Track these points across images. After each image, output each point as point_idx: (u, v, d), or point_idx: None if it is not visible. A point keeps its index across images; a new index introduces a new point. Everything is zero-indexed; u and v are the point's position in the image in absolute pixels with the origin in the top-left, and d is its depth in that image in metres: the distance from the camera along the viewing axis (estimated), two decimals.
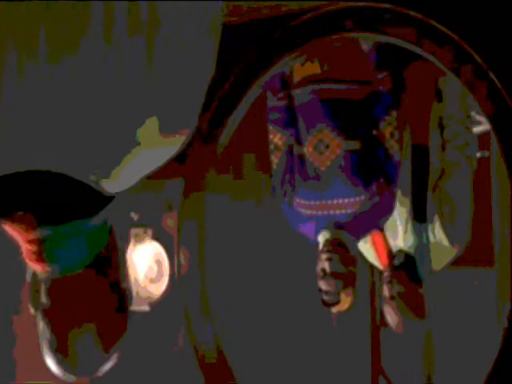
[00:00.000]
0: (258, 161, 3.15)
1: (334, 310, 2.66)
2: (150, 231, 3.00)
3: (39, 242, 1.14)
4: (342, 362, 3.10)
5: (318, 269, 2.63)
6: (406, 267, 2.76)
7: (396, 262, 2.79)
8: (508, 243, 2.63)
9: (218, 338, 2.86)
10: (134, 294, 2.96)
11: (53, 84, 1.03)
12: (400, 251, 2.80)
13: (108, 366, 1.25)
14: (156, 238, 3.01)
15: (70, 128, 1.05)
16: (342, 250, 2.63)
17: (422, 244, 2.75)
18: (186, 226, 2.91)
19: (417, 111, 2.76)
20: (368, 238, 2.83)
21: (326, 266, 2.61)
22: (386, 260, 2.83)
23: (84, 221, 1.13)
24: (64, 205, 1.11)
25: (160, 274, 2.99)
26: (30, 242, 1.14)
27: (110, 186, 1.11)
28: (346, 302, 2.65)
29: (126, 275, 1.26)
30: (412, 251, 2.77)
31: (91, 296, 1.22)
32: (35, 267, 1.18)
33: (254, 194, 3.17)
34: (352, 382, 3.09)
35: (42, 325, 1.21)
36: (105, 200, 1.13)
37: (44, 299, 1.20)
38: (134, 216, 2.98)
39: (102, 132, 1.06)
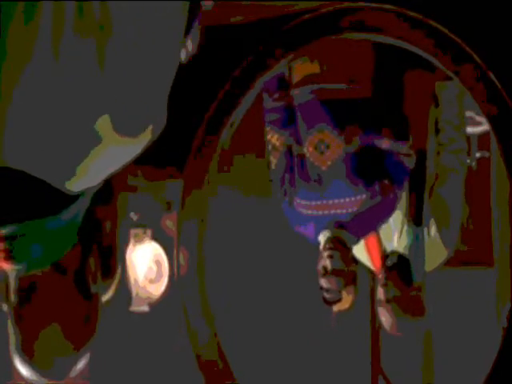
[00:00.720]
0: (257, 161, 3.14)
1: (335, 308, 2.66)
2: (149, 232, 3.00)
3: (4, 241, 1.13)
4: (341, 362, 3.10)
5: (319, 267, 2.63)
6: (398, 268, 2.76)
7: (389, 262, 2.79)
8: (507, 243, 2.63)
9: (217, 339, 2.86)
10: (134, 294, 2.97)
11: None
12: (393, 252, 2.80)
13: (79, 366, 1.23)
14: (155, 238, 3.01)
15: (29, 127, 1.05)
16: (343, 248, 2.63)
17: (417, 246, 2.75)
18: (185, 227, 2.91)
19: (415, 116, 2.76)
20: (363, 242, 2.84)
21: (328, 263, 2.61)
22: (378, 261, 2.83)
23: (50, 218, 1.13)
24: (29, 202, 1.10)
25: (159, 274, 2.99)
26: None
27: (73, 185, 1.11)
28: (347, 300, 2.65)
29: (95, 275, 1.24)
30: (406, 253, 2.77)
31: (59, 294, 1.21)
32: (2, 265, 1.17)
33: (254, 193, 3.17)
34: (351, 382, 3.09)
35: (10, 324, 1.21)
36: (71, 198, 1.13)
37: (12, 297, 1.20)
38: (134, 216, 2.98)
39: (62, 131, 1.06)
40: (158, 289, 2.98)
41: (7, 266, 1.17)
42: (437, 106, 2.77)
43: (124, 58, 1.06)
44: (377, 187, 2.64)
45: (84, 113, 1.05)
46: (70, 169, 1.09)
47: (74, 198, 1.13)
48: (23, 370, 1.21)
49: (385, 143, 2.67)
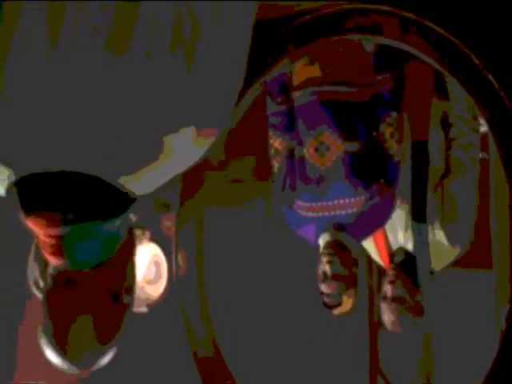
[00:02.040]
0: (258, 163, 3.15)
1: (336, 311, 2.66)
2: (148, 233, 2.99)
3: (59, 238, 1.16)
4: (340, 362, 3.10)
5: (319, 272, 2.63)
6: (405, 265, 2.76)
7: (396, 259, 2.79)
8: (506, 246, 2.63)
9: (216, 340, 2.86)
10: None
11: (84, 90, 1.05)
12: (400, 249, 2.80)
13: (106, 359, 1.26)
14: (154, 239, 3.01)
15: (98, 130, 1.07)
16: (342, 251, 2.63)
17: (422, 244, 2.75)
18: (184, 228, 2.91)
19: (416, 108, 2.76)
20: (371, 239, 2.84)
21: (327, 268, 2.60)
22: (386, 258, 2.83)
23: (104, 222, 1.15)
24: (89, 204, 1.13)
25: (158, 275, 2.99)
26: (50, 236, 1.17)
27: (136, 187, 1.13)
28: (347, 303, 2.65)
29: (130, 287, 1.28)
30: (412, 250, 2.77)
31: (92, 292, 1.23)
32: (50, 259, 1.21)
33: (254, 196, 3.17)
34: (350, 382, 3.09)
35: (43, 314, 1.23)
36: (127, 203, 1.15)
37: (47, 283, 1.22)
38: (132, 217, 2.97)
39: (129, 134, 1.08)
40: (156, 290, 2.98)
41: (56, 262, 1.20)
42: (443, 98, 2.77)
43: (207, 63, 1.10)
44: (375, 188, 2.65)
45: (164, 118, 1.08)
46: (135, 171, 1.12)
47: (127, 205, 1.14)
48: (56, 360, 1.24)
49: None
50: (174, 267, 2.93)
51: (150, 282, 2.98)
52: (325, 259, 2.61)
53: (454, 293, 2.95)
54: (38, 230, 1.16)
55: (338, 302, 2.62)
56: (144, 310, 2.97)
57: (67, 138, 1.08)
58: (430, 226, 2.73)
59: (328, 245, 2.64)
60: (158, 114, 1.08)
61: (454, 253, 2.74)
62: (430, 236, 2.73)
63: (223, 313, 2.94)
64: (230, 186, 3.17)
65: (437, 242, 2.73)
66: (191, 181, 2.88)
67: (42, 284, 1.25)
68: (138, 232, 2.99)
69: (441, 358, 3.05)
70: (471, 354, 2.86)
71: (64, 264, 1.20)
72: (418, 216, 2.74)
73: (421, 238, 2.74)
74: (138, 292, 2.98)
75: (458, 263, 2.77)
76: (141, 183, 1.14)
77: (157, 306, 2.98)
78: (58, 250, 1.18)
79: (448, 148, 2.75)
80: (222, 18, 1.11)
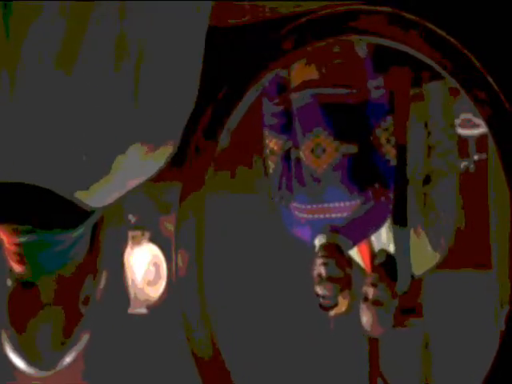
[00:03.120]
0: (255, 165, 3.15)
1: (332, 312, 2.66)
2: (147, 233, 2.99)
3: (19, 246, 1.19)
4: (340, 363, 3.10)
5: (315, 274, 2.63)
6: (387, 266, 2.76)
7: (377, 261, 2.79)
8: (506, 246, 2.63)
9: (215, 340, 2.86)
10: (132, 296, 2.96)
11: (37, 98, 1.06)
12: (382, 250, 2.80)
13: (69, 358, 1.26)
14: (153, 240, 3.01)
15: (47, 144, 1.09)
16: (337, 253, 2.63)
17: (402, 248, 2.75)
18: (183, 229, 2.91)
19: (396, 112, 2.76)
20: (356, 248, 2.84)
21: (322, 270, 2.61)
22: (369, 261, 2.84)
23: (66, 231, 1.17)
24: (45, 215, 1.15)
25: (158, 276, 2.99)
26: (13, 244, 1.19)
27: (90, 200, 1.15)
28: (343, 304, 2.65)
29: (88, 298, 1.29)
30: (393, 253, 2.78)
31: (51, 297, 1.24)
32: (13, 266, 1.23)
33: (253, 197, 3.17)
34: (350, 383, 3.09)
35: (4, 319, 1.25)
36: (84, 215, 1.17)
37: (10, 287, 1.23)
38: (132, 218, 2.98)
39: (82, 146, 1.09)
40: (156, 291, 2.98)
41: (18, 269, 1.22)
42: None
43: (155, 84, 1.11)
44: (370, 192, 2.65)
45: (116, 139, 1.09)
46: (92, 182, 1.13)
47: (80, 220, 1.17)
48: (16, 360, 1.25)
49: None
50: (173, 268, 2.93)
51: (149, 283, 2.98)
52: (320, 261, 2.62)
53: (453, 293, 2.95)
54: (3, 237, 1.19)
55: (333, 303, 2.63)
56: (143, 310, 2.98)
57: (22, 151, 1.10)
58: (412, 230, 2.74)
59: (323, 247, 2.65)
60: (105, 132, 1.10)
61: (435, 257, 2.75)
62: (413, 240, 2.73)
63: (222, 313, 2.95)
64: (230, 187, 3.17)
65: (420, 246, 2.74)
66: (191, 182, 2.88)
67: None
68: (137, 233, 2.99)
69: (440, 358, 3.05)
70: (470, 355, 2.86)
71: (25, 271, 1.22)
72: (399, 220, 2.74)
73: (401, 242, 2.75)
74: (137, 293, 2.99)
75: (457, 264, 2.77)
76: (95, 197, 1.16)
77: (156, 307, 2.98)
78: (19, 258, 1.21)
79: (427, 155, 2.76)
80: (170, 36, 1.12)
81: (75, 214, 1.17)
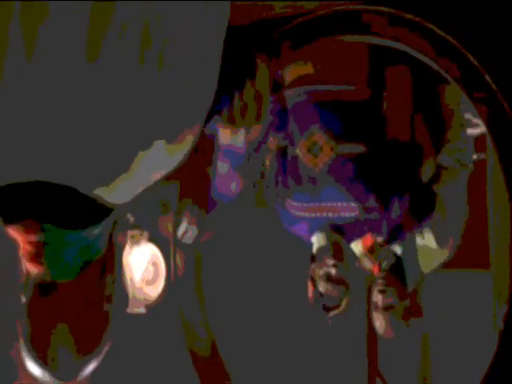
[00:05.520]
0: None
1: (333, 313, 2.66)
2: (146, 233, 2.99)
3: (39, 245, 1.16)
4: (338, 363, 3.10)
5: (321, 273, 2.62)
6: (395, 268, 2.76)
7: (385, 264, 2.78)
8: (504, 245, 2.63)
9: (214, 340, 2.86)
10: (131, 296, 2.96)
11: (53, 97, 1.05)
12: (389, 252, 2.79)
13: (88, 370, 1.25)
14: (152, 239, 3.01)
15: (69, 140, 1.07)
16: (345, 255, 2.63)
17: (409, 247, 2.75)
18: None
19: (395, 111, 2.75)
20: (359, 240, 2.83)
21: (333, 272, 2.60)
22: (375, 263, 2.83)
23: (82, 231, 1.16)
24: (66, 213, 1.13)
25: (156, 275, 2.99)
26: (30, 243, 1.16)
27: (111, 197, 1.13)
28: (343, 304, 2.65)
29: (110, 295, 1.27)
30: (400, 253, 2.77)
31: (70, 301, 1.22)
32: (30, 267, 1.20)
33: (250, 195, 3.17)
34: (349, 383, 3.09)
35: (22, 324, 1.23)
36: (105, 212, 1.15)
37: (26, 297, 1.22)
38: (130, 218, 2.97)
39: (99, 145, 1.08)
40: (154, 290, 2.98)
41: (36, 269, 1.20)
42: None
43: (174, 62, 1.10)
44: (371, 201, 2.63)
45: (139, 133, 1.08)
46: (113, 178, 1.12)
47: (106, 213, 1.15)
48: (38, 373, 1.23)
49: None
50: (172, 268, 2.93)
51: (148, 283, 2.98)
52: (331, 262, 2.60)
53: (451, 293, 2.95)
54: (18, 236, 1.16)
55: (337, 304, 2.62)
56: (142, 310, 2.97)
57: (42, 148, 1.08)
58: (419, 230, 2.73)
59: (330, 247, 2.63)
60: (128, 124, 1.08)
61: (443, 255, 2.74)
62: (420, 239, 2.72)
63: (221, 313, 2.94)
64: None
65: (426, 244, 2.73)
66: (189, 181, 2.88)
67: (23, 295, 1.24)
68: (136, 232, 2.99)
69: (438, 358, 3.05)
70: (469, 354, 2.86)
71: (43, 272, 1.20)
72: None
73: (407, 242, 2.74)
74: (136, 292, 2.99)
75: (455, 263, 2.77)
76: (115, 194, 1.14)
77: (155, 307, 2.98)
78: (37, 258, 1.18)
79: (437, 152, 2.75)
80: (192, 25, 1.11)
81: (95, 213, 1.15)
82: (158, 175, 1.17)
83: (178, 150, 1.15)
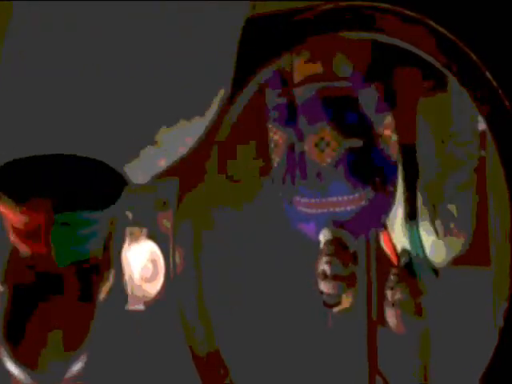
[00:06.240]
0: (256, 159, 3.14)
1: (336, 310, 2.66)
2: (145, 230, 2.99)
3: (47, 225, 1.15)
4: (339, 361, 3.10)
5: (319, 271, 2.62)
6: (409, 267, 2.77)
7: (402, 262, 2.79)
8: (504, 243, 2.63)
9: (213, 337, 2.85)
10: (129, 293, 2.96)
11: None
12: (404, 251, 2.80)
13: (75, 368, 1.23)
14: (151, 236, 3.01)
15: (101, 116, 1.08)
16: (342, 250, 2.63)
17: (417, 243, 2.75)
18: (181, 225, 2.90)
19: (403, 110, 2.75)
20: (381, 237, 2.85)
21: (327, 268, 2.60)
22: (395, 259, 2.85)
23: (91, 212, 1.15)
24: (77, 193, 1.13)
25: (155, 272, 2.99)
26: (38, 223, 1.15)
27: (133, 175, 1.14)
28: (346, 302, 2.64)
29: (106, 286, 1.27)
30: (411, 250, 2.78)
31: (67, 300, 1.21)
32: (41, 249, 1.17)
33: (252, 192, 3.16)
34: (349, 381, 3.09)
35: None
36: (113, 196, 1.15)
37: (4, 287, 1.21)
38: (129, 215, 2.97)
39: (132, 119, 1.09)
40: (153, 287, 2.98)
41: (44, 251, 1.17)
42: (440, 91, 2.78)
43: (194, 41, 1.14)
44: (371, 186, 2.65)
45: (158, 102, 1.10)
46: (138, 154, 1.13)
47: (109, 201, 1.15)
48: (15, 371, 1.21)
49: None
50: (171, 265, 2.93)
51: (146, 280, 2.98)
52: (324, 259, 2.61)
53: (451, 290, 2.95)
54: (25, 217, 1.14)
55: (337, 300, 2.62)
56: (141, 307, 2.97)
57: (76, 123, 1.09)
58: (423, 224, 2.74)
59: (327, 244, 2.64)
60: (154, 99, 1.10)
61: (455, 249, 2.73)
62: (431, 233, 2.73)
63: (221, 310, 2.94)
64: (230, 185, 3.17)
65: (437, 239, 2.73)
66: (189, 178, 2.87)
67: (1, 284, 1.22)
68: (135, 230, 2.98)
69: (438, 355, 3.05)
70: (469, 352, 2.86)
71: (47, 253, 1.18)
72: (411, 217, 2.74)
73: (414, 238, 2.75)
74: (134, 290, 2.98)
75: (456, 260, 2.77)
76: (140, 170, 1.15)
77: (154, 304, 2.98)
78: (43, 238, 1.16)
79: (443, 146, 2.75)
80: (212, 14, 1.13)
81: (101, 197, 1.15)
82: (184, 148, 1.18)
83: (202, 120, 1.17)
